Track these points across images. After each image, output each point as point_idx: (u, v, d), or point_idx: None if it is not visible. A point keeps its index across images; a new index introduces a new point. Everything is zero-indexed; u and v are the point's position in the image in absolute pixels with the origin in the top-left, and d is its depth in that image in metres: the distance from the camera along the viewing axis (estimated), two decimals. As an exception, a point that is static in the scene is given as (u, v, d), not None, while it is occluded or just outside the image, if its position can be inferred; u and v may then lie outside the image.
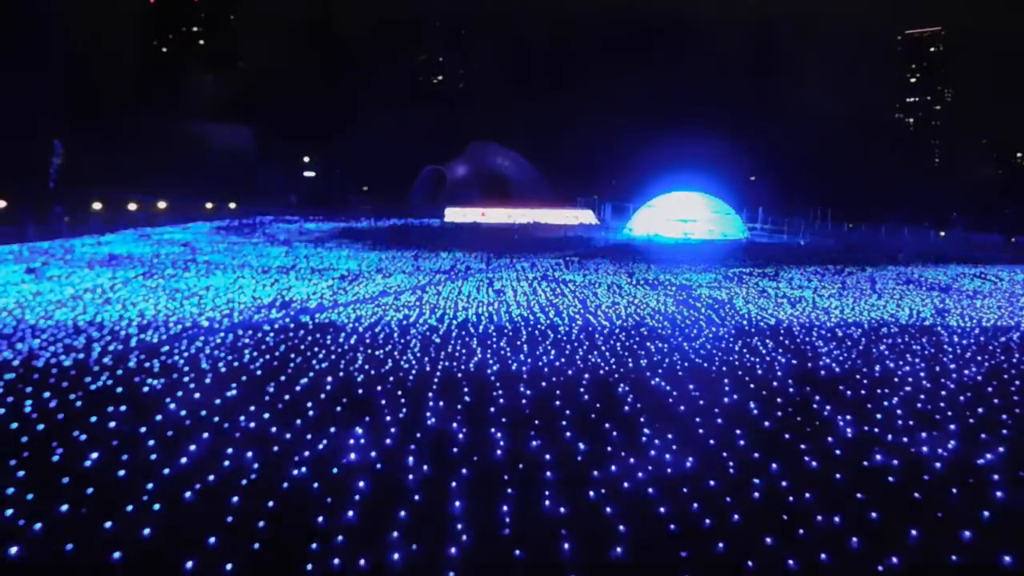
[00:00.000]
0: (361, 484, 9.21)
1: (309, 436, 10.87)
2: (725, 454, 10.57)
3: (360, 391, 13.44)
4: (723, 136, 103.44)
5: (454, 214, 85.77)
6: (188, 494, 8.85)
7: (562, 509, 8.71)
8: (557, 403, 12.91)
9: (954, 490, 9.60)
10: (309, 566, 7.39)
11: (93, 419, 11.37)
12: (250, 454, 10.09)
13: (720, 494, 9.21)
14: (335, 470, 9.70)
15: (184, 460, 9.87)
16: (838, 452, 10.90)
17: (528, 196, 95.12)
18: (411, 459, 10.09)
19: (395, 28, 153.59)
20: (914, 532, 8.36)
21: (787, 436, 11.54)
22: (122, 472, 9.45)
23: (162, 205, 69.69)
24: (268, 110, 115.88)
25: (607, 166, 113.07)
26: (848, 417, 12.46)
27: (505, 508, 8.70)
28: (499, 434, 11.15)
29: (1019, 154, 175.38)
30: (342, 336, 18.27)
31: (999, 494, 9.53)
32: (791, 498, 9.21)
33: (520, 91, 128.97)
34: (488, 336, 18.77)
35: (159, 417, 11.56)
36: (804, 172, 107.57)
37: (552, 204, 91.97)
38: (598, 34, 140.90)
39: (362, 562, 7.47)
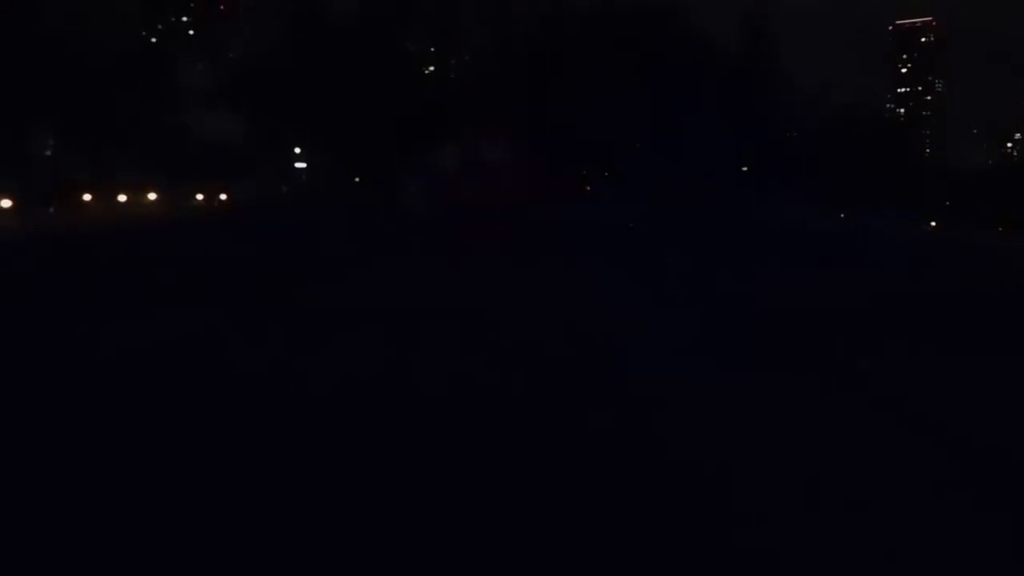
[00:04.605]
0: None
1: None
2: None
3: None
4: (714, 126, 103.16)
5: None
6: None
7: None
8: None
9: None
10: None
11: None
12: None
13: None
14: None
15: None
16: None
17: (518, 186, 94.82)
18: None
19: (385, 16, 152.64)
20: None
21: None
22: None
23: (152, 196, 69.43)
24: (259, 100, 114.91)
25: (600, 158, 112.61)
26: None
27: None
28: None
29: (1009, 144, 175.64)
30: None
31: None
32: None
33: (512, 82, 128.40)
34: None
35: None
36: (794, 161, 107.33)
37: (543, 194, 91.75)
38: (591, 24, 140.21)
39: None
